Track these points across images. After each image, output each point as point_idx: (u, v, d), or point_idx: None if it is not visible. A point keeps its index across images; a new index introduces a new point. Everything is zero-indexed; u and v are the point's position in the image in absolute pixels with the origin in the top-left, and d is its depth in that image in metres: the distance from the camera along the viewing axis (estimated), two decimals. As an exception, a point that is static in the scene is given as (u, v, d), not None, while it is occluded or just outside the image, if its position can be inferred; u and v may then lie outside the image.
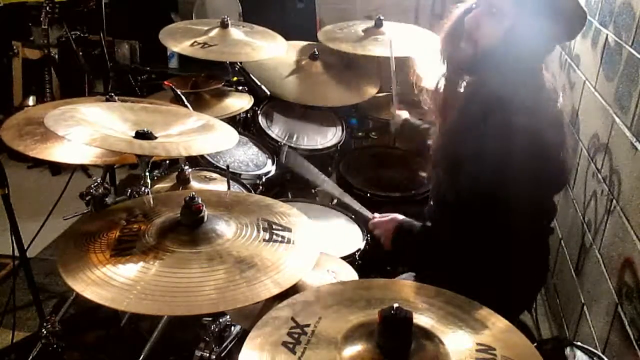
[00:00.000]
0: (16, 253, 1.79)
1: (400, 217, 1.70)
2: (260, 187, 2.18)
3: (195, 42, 2.35)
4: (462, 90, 1.60)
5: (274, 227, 1.30)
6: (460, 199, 1.47)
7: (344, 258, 1.65)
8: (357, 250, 1.78)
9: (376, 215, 1.79)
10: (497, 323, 1.01)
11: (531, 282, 1.66)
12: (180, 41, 2.37)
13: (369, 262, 1.78)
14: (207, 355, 1.52)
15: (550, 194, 1.59)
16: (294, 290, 1.13)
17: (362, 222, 1.83)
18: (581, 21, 1.42)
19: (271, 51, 2.45)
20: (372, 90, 2.67)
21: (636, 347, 1.42)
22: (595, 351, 1.34)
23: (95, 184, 1.57)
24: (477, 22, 1.44)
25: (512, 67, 1.40)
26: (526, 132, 1.33)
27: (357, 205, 1.82)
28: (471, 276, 1.36)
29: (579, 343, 1.35)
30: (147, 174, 1.42)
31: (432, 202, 1.77)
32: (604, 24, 1.97)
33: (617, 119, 1.72)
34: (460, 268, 1.44)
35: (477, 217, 1.41)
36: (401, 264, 1.79)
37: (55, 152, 1.55)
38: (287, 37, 2.63)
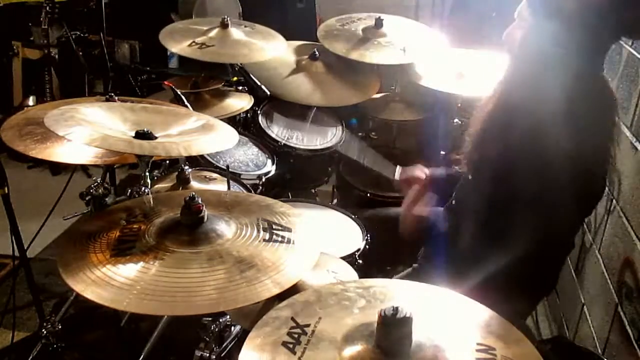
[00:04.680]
0: (16, 253, 1.80)
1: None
2: (260, 187, 2.18)
3: (193, 42, 2.34)
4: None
5: (274, 227, 1.30)
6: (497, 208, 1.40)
7: (344, 258, 1.65)
8: (357, 250, 1.78)
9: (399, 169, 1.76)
10: (497, 323, 1.01)
11: (539, 291, 1.64)
12: (180, 41, 2.36)
13: (369, 262, 1.79)
14: (207, 355, 1.52)
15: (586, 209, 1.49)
16: (294, 290, 1.13)
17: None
18: None
19: (271, 52, 2.45)
20: (372, 90, 2.67)
21: (636, 347, 1.42)
22: (595, 352, 1.34)
23: (95, 184, 1.57)
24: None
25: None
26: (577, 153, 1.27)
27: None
28: (481, 279, 1.33)
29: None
30: (147, 174, 1.42)
31: (454, 202, 1.73)
32: (604, 24, 1.97)
33: (617, 119, 1.72)
34: (472, 269, 1.41)
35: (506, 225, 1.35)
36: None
37: (55, 152, 1.54)
38: (287, 37, 2.63)
